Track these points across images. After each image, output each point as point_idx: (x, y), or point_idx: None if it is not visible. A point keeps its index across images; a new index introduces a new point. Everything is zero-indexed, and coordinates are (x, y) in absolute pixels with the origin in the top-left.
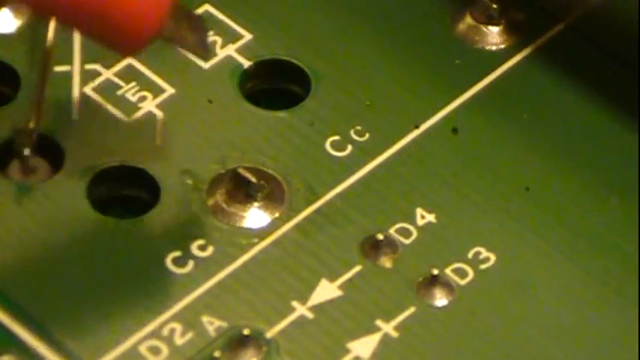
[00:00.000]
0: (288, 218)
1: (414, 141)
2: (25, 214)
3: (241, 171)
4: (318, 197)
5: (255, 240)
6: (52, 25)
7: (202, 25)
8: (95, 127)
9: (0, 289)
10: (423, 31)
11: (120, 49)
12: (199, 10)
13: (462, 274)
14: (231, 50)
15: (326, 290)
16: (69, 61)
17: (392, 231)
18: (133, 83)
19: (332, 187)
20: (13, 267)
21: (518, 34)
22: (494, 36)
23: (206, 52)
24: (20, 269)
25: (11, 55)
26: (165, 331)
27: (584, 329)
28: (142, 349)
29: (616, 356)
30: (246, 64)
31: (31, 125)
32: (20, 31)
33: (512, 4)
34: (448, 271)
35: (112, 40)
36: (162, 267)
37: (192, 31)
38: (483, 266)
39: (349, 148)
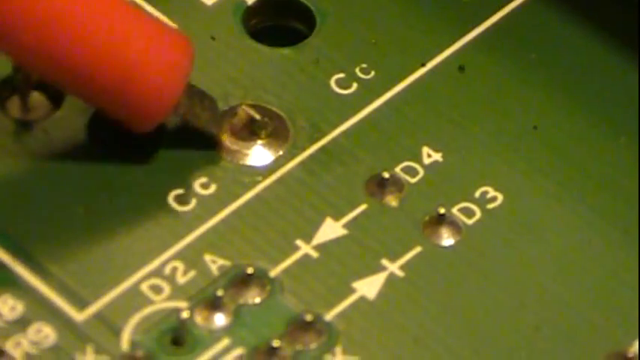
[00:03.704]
0: (293, 156)
1: (420, 79)
2: (25, 151)
3: (245, 108)
4: (322, 135)
5: (259, 178)
6: None
7: (215, 103)
8: None
9: None
10: None
11: (133, 125)
12: None
13: (468, 213)
14: None
15: (331, 229)
16: None
17: (398, 170)
18: None
19: (337, 125)
20: (12, 204)
21: None
22: None
23: (218, 129)
24: (19, 207)
25: None
26: (167, 270)
27: (589, 269)
28: (144, 287)
29: (620, 295)
30: (250, 0)
31: None
32: None
33: None
34: (455, 210)
35: (126, 115)
36: (164, 205)
37: (205, 109)
38: (490, 206)
39: (354, 85)
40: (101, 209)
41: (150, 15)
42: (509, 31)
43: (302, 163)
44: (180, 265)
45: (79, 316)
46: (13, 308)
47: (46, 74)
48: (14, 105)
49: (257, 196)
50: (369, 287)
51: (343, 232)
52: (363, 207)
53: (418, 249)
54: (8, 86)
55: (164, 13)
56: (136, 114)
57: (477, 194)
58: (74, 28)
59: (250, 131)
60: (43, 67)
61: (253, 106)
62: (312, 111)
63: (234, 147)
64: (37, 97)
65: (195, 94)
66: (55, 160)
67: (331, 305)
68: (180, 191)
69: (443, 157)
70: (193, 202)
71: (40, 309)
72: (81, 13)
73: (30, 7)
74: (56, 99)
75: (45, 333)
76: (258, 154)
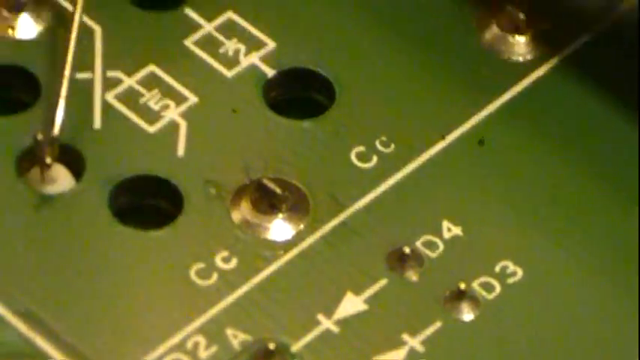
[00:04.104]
0: (313, 230)
1: (440, 152)
2: (46, 223)
3: (266, 181)
4: (343, 209)
5: (280, 252)
6: (73, 31)
7: None
8: (117, 135)
9: (19, 300)
10: (449, 41)
11: None
12: (222, 17)
13: (488, 288)
14: (254, 59)
15: (351, 304)
16: (90, 67)
17: (418, 244)
18: (156, 91)
19: (357, 199)
20: (33, 278)
21: (546, 44)
22: (520, 46)
23: None
24: (40, 280)
25: (31, 61)
26: (189, 345)
27: (615, 345)
28: None
29: None
30: (270, 72)
31: (53, 133)
32: (40, 37)
33: (540, 14)
34: (475, 284)
35: None
36: (185, 279)
37: None
38: (510, 280)
39: (374, 159)
40: (122, 283)
41: None
42: (529, 104)
43: (323, 237)
44: (202, 340)
45: None
46: None
47: None
48: (35, 177)
49: (278, 271)
50: None
51: (364, 307)
52: (383, 281)
53: (438, 324)
54: (29, 158)
55: (185, 85)
56: None
57: (497, 269)
58: None
59: (271, 205)
60: None
61: (274, 180)
62: (332, 184)
63: (255, 221)
64: (58, 169)
65: None
66: (76, 233)
67: None
68: (201, 265)
69: (463, 230)
70: (214, 276)
71: None
72: None
73: None
74: (77, 171)
75: None
76: (279, 228)
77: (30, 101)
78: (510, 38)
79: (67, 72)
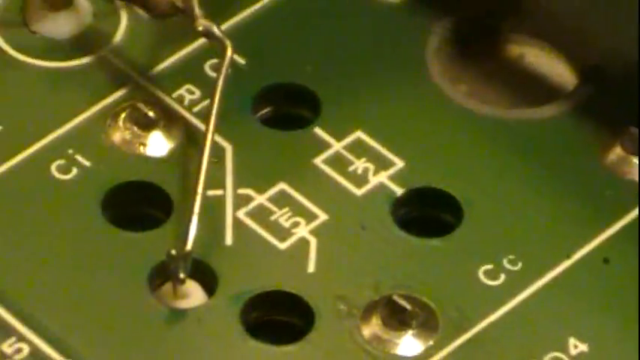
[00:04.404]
0: (442, 346)
1: (565, 271)
2: (178, 339)
3: (396, 298)
4: (471, 326)
5: None
6: (205, 149)
7: None
8: (248, 252)
9: None
10: (572, 161)
11: None
12: (350, 138)
13: None
14: (383, 177)
15: None
16: (221, 185)
17: None
18: (286, 209)
19: (485, 316)
20: None
21: None
22: None
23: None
24: None
25: (163, 178)
26: None
27: None
28: None
29: None
30: (399, 191)
31: (186, 248)
32: (172, 155)
33: None
34: None
35: None
36: None
37: None
38: None
39: (502, 277)
40: None
41: None
42: None
43: (451, 354)
44: None
45: None
46: None
47: None
48: (168, 292)
49: None
50: None
51: None
52: None
53: None
54: (162, 273)
55: (315, 202)
56: None
57: None
58: None
59: (401, 321)
60: None
61: (404, 296)
62: (460, 301)
63: (385, 337)
64: (190, 285)
65: None
66: (208, 348)
67: None
68: None
69: (589, 347)
70: None
71: None
72: None
73: None
74: (209, 287)
75: None
76: (409, 344)
77: (161, 218)
78: (634, 159)
79: (199, 188)
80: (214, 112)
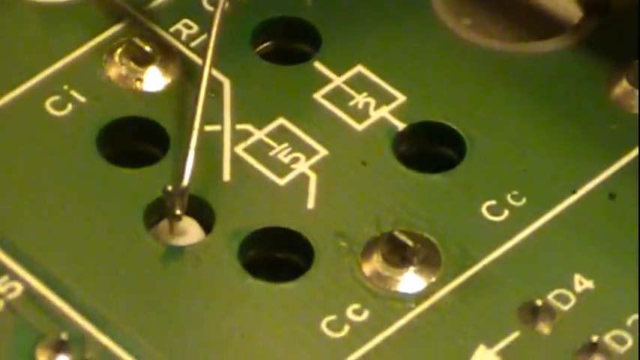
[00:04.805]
0: (444, 283)
1: (570, 206)
2: (174, 276)
3: (397, 234)
4: (474, 262)
5: (412, 305)
6: (202, 83)
7: None
8: (247, 188)
9: (151, 354)
10: (578, 96)
11: None
12: (351, 72)
13: (620, 341)
14: (384, 112)
15: (484, 357)
16: (219, 120)
17: (550, 297)
18: (286, 144)
19: (488, 252)
20: (160, 330)
21: None
22: None
23: None
24: (167, 332)
25: (159, 113)
26: None
27: None
28: None
29: None
30: (400, 126)
31: (183, 184)
32: (168, 90)
33: None
34: (607, 338)
35: None
36: (317, 331)
37: None
38: None
39: (506, 212)
40: (252, 335)
41: None
42: None
43: (454, 291)
44: None
45: None
46: None
47: None
48: (164, 229)
49: (409, 323)
50: None
51: (496, 359)
52: (515, 334)
53: None
54: (158, 210)
55: (315, 138)
56: None
57: (629, 322)
58: None
59: (402, 258)
60: None
61: (405, 233)
62: (463, 238)
63: (386, 273)
64: (187, 222)
65: None
66: (205, 285)
67: None
68: (332, 317)
69: (595, 284)
70: (346, 328)
71: None
72: None
73: None
74: (206, 224)
75: None
76: (411, 281)
77: (158, 154)
78: None
79: (196, 124)
80: (211, 45)
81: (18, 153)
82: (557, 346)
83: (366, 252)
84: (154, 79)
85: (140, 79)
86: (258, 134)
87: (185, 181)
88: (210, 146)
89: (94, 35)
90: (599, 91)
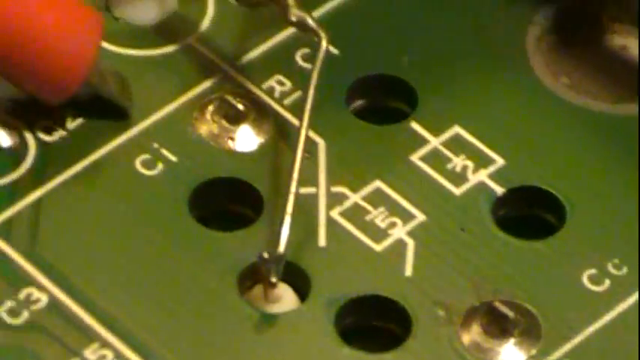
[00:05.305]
0: (545, 355)
1: None
2: (269, 344)
3: (497, 304)
4: (575, 334)
5: None
6: (299, 146)
7: (125, 79)
8: (342, 254)
9: None
10: None
11: (47, 96)
12: (448, 133)
13: None
14: (483, 176)
15: None
16: (314, 182)
17: None
18: (382, 208)
19: (589, 323)
20: None
21: None
22: None
23: (129, 103)
24: None
25: (252, 174)
26: None
27: None
28: None
29: None
30: (499, 190)
31: (279, 251)
32: (261, 149)
33: None
34: None
35: (40, 86)
36: None
37: (116, 82)
38: None
39: (607, 282)
40: None
41: None
42: None
43: None
44: None
45: None
46: None
47: None
48: (258, 295)
49: None
50: None
51: None
52: None
53: None
54: (252, 275)
55: (412, 201)
56: (50, 84)
57: None
58: None
59: (502, 329)
60: None
61: (505, 303)
62: (563, 308)
63: (486, 345)
64: (282, 288)
65: (105, 68)
66: (300, 353)
67: None
68: None
69: None
70: None
71: None
72: None
73: None
74: (302, 290)
75: None
76: (510, 353)
77: (251, 215)
78: None
79: (292, 188)
80: (308, 107)
81: (108, 214)
82: None
83: (465, 322)
84: (247, 138)
85: (232, 138)
86: (354, 197)
87: (281, 248)
88: (305, 209)
89: (185, 90)
90: None
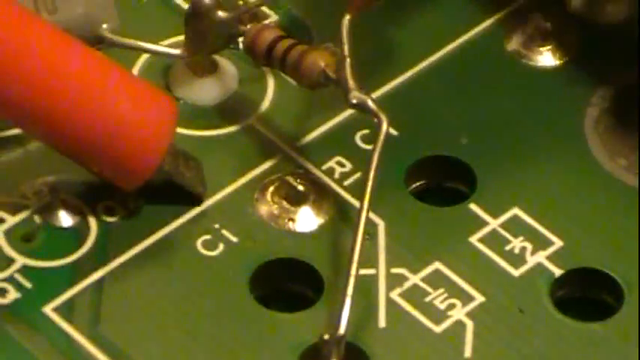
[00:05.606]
0: None
1: None
2: None
3: None
4: None
5: None
6: (359, 228)
7: (199, 164)
8: (402, 335)
9: None
10: None
11: (121, 182)
12: (507, 215)
13: None
14: (541, 257)
15: None
16: (374, 264)
17: None
18: (441, 290)
19: None
20: None
21: None
22: None
23: (203, 188)
24: None
25: (312, 254)
26: None
27: None
28: None
29: None
30: (557, 272)
31: (339, 333)
32: (321, 230)
33: None
34: None
35: (114, 172)
36: None
37: (189, 168)
38: None
39: None
40: None
41: (134, 75)
42: None
43: None
44: None
45: None
46: None
47: (34, 131)
48: None
49: None
50: None
51: None
52: None
53: None
54: (313, 357)
55: (471, 283)
56: (123, 171)
57: None
58: (63, 86)
59: None
60: (30, 123)
61: None
62: None
63: None
64: None
65: (179, 153)
66: None
67: None
68: None
69: None
70: None
71: None
72: (69, 70)
73: (17, 59)
74: None
75: None
76: None
77: (311, 296)
78: None
79: (353, 270)
80: (369, 189)
81: (169, 294)
82: None
83: None
84: (307, 219)
85: (292, 219)
86: (414, 279)
87: (342, 330)
88: (365, 290)
89: (245, 171)
90: None
